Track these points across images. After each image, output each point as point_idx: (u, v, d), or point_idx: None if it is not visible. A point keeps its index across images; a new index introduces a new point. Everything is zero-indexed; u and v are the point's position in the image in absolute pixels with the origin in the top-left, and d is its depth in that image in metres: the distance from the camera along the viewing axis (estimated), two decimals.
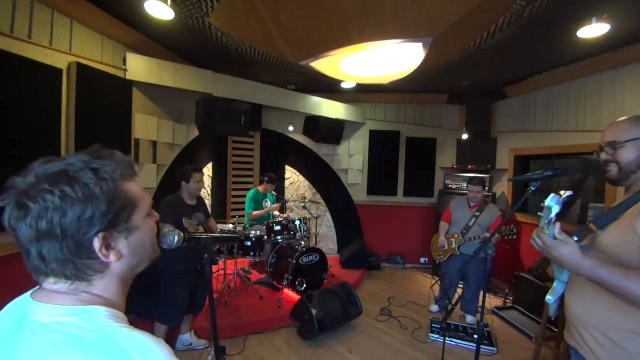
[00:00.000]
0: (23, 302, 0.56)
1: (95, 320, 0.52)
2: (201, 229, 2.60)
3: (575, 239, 1.20)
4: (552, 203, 1.03)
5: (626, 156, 1.12)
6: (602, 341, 1.09)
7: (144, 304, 2.66)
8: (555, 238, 1.04)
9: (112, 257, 0.57)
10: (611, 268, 0.99)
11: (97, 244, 0.54)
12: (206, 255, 1.18)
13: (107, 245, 0.56)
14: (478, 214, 3.37)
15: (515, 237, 3.12)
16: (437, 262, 3.65)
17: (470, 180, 3.45)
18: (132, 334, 0.52)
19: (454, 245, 3.42)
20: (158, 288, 2.55)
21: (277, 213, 4.46)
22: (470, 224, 3.37)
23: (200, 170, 2.69)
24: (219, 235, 1.20)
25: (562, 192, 1.06)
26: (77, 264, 0.54)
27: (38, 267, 0.54)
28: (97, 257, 0.55)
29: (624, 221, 1.08)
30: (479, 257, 3.26)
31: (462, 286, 3.61)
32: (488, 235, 3.18)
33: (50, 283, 0.56)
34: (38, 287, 0.58)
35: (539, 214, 1.09)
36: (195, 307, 2.78)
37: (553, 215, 1.03)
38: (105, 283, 0.58)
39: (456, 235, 3.42)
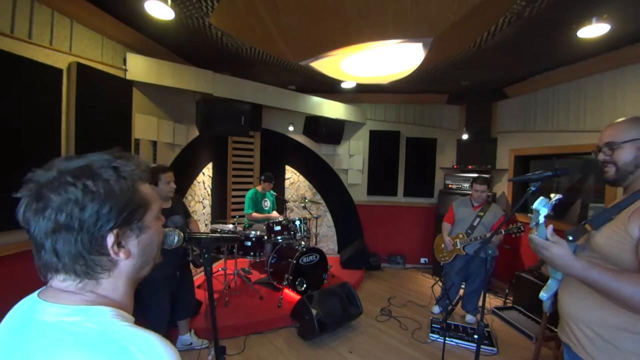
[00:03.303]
0: (31, 301, 0.56)
1: (100, 319, 0.52)
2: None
3: (570, 238, 1.21)
4: (540, 206, 1.04)
5: (623, 157, 1.13)
6: (593, 337, 1.10)
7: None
8: (547, 239, 1.06)
9: (122, 255, 0.58)
10: (601, 270, 1.00)
11: (110, 239, 0.56)
12: (206, 255, 1.17)
13: (118, 243, 0.57)
14: (482, 213, 3.34)
15: (522, 234, 3.08)
16: (442, 263, 3.63)
17: (476, 180, 3.38)
18: (137, 333, 0.52)
19: (458, 246, 3.38)
20: (139, 296, 2.45)
21: (275, 214, 4.46)
22: (475, 223, 3.33)
23: (168, 170, 2.53)
24: (219, 235, 1.20)
25: (552, 195, 1.07)
26: (88, 260, 0.55)
27: (50, 263, 0.55)
28: (107, 253, 0.56)
29: (617, 222, 1.09)
30: (479, 256, 3.29)
31: (463, 286, 3.60)
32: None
33: (59, 280, 0.56)
34: (45, 285, 0.59)
35: (529, 215, 1.10)
36: (182, 313, 2.73)
37: (541, 217, 1.05)
38: (113, 282, 0.59)
39: (460, 236, 3.39)
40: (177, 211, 2.66)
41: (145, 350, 0.50)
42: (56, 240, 0.53)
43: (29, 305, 0.56)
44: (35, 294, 0.58)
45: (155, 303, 2.47)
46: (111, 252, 0.56)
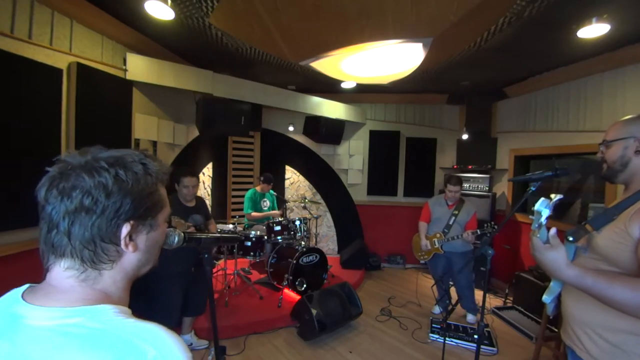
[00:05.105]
0: (11, 303, 0.54)
1: (103, 318, 0.52)
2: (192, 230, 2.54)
3: (570, 239, 1.20)
4: (542, 207, 1.02)
5: (611, 155, 1.16)
6: (598, 341, 1.09)
7: (142, 304, 2.64)
8: (547, 242, 1.03)
9: (131, 248, 0.59)
10: (596, 277, 0.97)
11: (125, 230, 0.57)
12: (207, 255, 1.17)
13: (130, 236, 0.59)
14: (456, 212, 3.42)
15: (495, 232, 3.13)
16: (421, 261, 3.68)
17: (450, 180, 3.41)
18: (142, 326, 0.53)
19: (437, 245, 3.44)
20: (152, 289, 2.50)
21: (275, 212, 4.45)
22: (451, 222, 3.40)
23: (190, 175, 2.55)
24: (219, 235, 1.20)
25: (552, 196, 1.05)
26: (98, 246, 0.56)
27: (59, 245, 0.54)
28: (118, 242, 0.58)
29: (618, 222, 1.08)
30: (460, 255, 3.36)
31: (451, 284, 3.65)
32: (469, 233, 3.23)
33: (61, 268, 0.55)
34: (27, 285, 0.57)
35: (530, 217, 1.09)
36: (192, 309, 2.74)
37: (543, 218, 1.02)
38: (113, 275, 0.59)
39: (438, 235, 3.45)
40: (199, 211, 2.71)
41: (153, 342, 0.50)
42: (72, 222, 0.53)
43: (10, 308, 0.53)
44: (16, 294, 0.55)
45: (168, 297, 2.51)
46: (122, 242, 0.58)
